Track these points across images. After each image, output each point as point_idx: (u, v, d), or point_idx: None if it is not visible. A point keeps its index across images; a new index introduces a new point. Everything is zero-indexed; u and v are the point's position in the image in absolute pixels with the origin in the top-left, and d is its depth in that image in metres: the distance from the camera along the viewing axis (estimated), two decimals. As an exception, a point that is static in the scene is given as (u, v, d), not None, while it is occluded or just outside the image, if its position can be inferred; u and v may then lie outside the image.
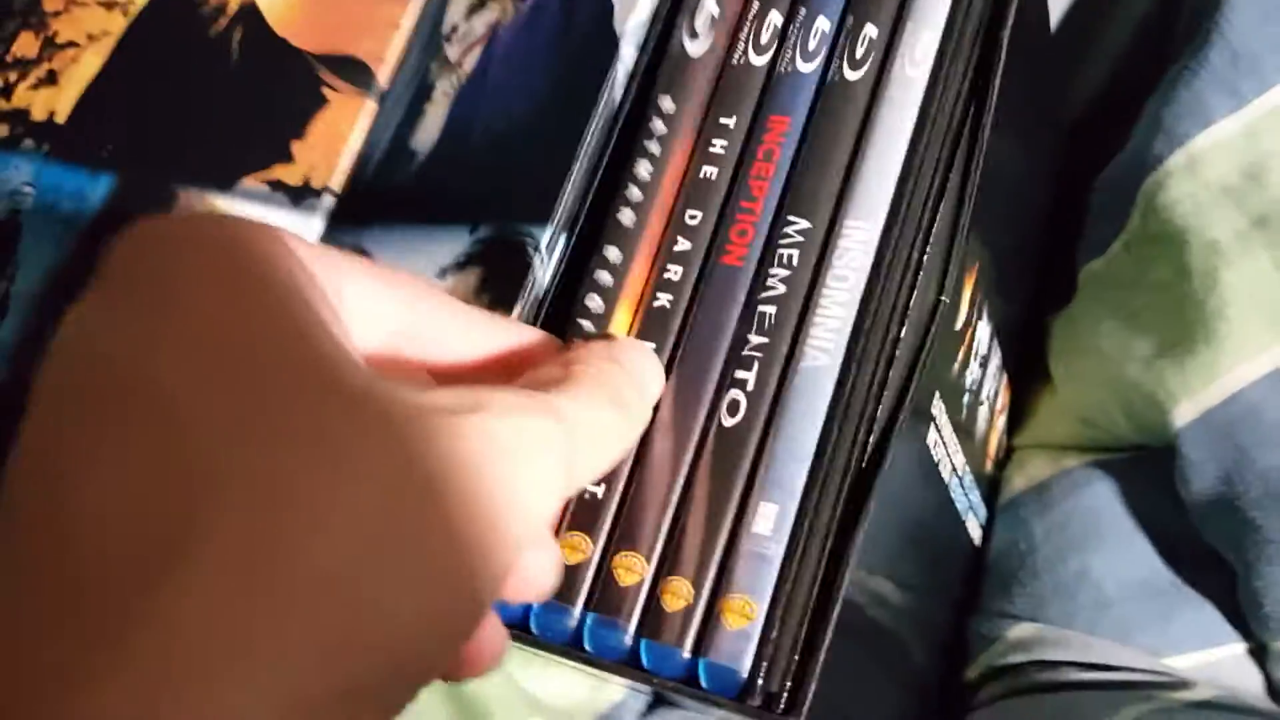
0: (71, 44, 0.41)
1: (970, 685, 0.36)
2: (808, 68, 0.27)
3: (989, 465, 0.36)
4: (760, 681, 0.22)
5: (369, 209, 0.36)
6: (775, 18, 0.28)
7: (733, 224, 0.26)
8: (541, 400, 0.19)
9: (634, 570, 0.24)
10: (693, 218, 0.27)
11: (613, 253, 0.27)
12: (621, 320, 0.26)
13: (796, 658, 0.23)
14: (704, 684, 0.23)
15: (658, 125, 0.27)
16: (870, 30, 0.27)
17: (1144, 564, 0.35)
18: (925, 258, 0.25)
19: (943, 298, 0.25)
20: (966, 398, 0.30)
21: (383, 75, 0.38)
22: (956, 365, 0.28)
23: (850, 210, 0.25)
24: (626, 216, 0.27)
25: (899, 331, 0.24)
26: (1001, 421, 0.37)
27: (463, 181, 0.34)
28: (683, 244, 0.27)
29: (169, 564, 0.14)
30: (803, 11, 0.28)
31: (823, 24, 0.27)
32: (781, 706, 0.22)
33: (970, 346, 0.29)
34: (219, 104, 0.39)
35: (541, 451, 0.18)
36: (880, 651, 0.29)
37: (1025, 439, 0.39)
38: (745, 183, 0.27)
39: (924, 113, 0.26)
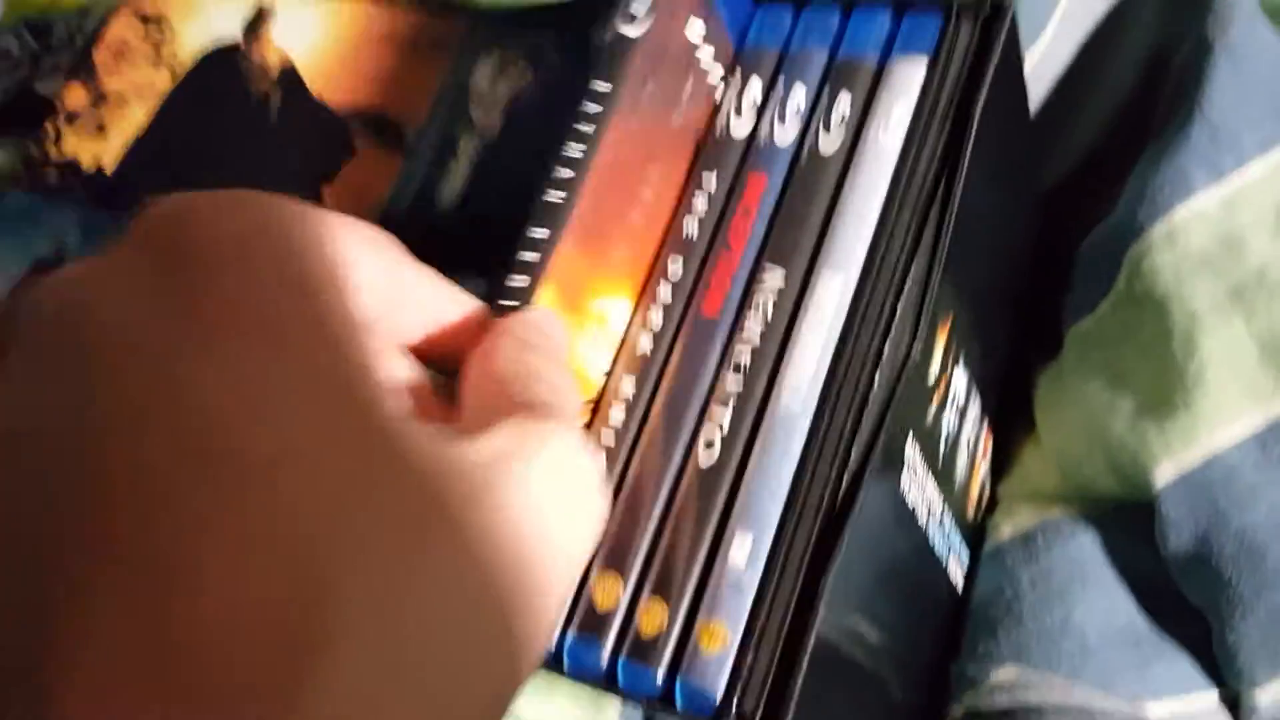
0: (120, 98, 0.44)
1: (951, 728, 0.37)
2: (785, 133, 0.29)
3: (971, 511, 0.37)
4: (734, 704, 0.24)
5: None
6: (755, 88, 0.30)
7: (712, 273, 0.28)
8: (568, 424, 0.20)
9: (612, 593, 0.25)
10: (674, 268, 0.29)
11: (539, 231, 0.26)
12: (543, 299, 0.26)
13: (770, 682, 0.24)
14: (679, 704, 0.24)
15: (591, 107, 0.27)
16: (845, 101, 0.29)
17: (1124, 614, 0.36)
18: (898, 310, 0.26)
19: (914, 348, 0.27)
20: (943, 444, 0.32)
21: (412, 133, 0.40)
22: (931, 412, 0.30)
23: (825, 261, 0.27)
24: (554, 195, 0.26)
25: (871, 379, 0.26)
26: (984, 468, 0.38)
27: (482, 234, 0.36)
28: (665, 291, 0.28)
29: (303, 660, 0.14)
30: (781, 83, 0.30)
31: (800, 95, 0.29)
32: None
33: (946, 395, 0.31)
34: (258, 156, 0.41)
35: (591, 491, 0.20)
36: (858, 688, 0.31)
37: (1011, 488, 0.40)
38: (725, 236, 0.28)
39: (897, 177, 0.27)
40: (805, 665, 0.23)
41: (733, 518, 0.25)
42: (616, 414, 0.28)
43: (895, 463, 0.28)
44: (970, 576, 0.39)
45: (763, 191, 0.29)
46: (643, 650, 0.25)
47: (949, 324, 0.29)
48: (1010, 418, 0.41)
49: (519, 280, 0.26)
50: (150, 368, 0.16)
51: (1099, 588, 0.36)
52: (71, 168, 0.43)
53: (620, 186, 0.28)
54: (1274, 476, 0.33)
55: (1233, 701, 0.35)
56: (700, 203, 0.29)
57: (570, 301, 0.27)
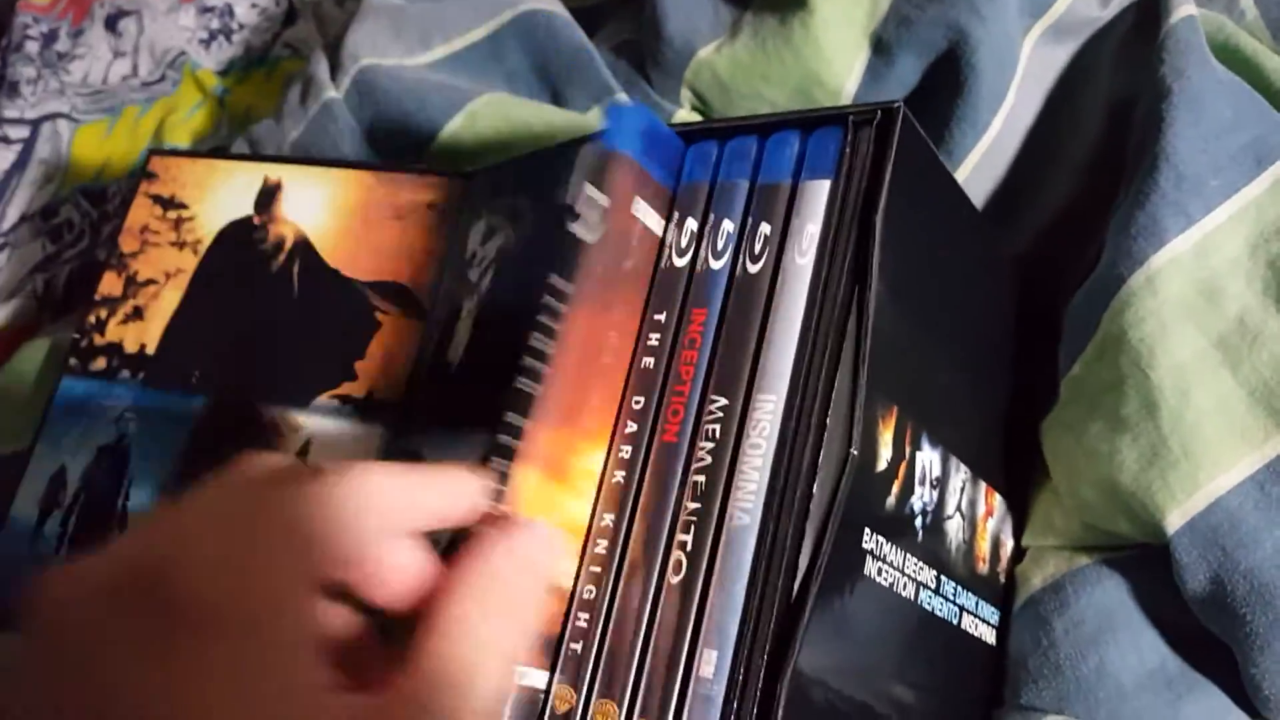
0: (151, 281, 0.47)
1: (999, 779, 0.37)
2: (718, 265, 0.31)
3: (982, 566, 0.37)
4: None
5: (420, 416, 0.41)
6: (691, 224, 0.32)
7: (668, 405, 0.30)
8: None
9: (610, 716, 0.27)
10: (637, 403, 0.30)
11: (513, 417, 0.28)
12: (522, 480, 0.27)
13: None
14: None
15: (552, 302, 0.29)
16: (765, 228, 0.30)
17: (1155, 655, 0.36)
18: (827, 421, 0.27)
19: (852, 450, 0.28)
20: (920, 521, 0.32)
21: (425, 299, 0.43)
22: (891, 500, 0.30)
23: (760, 385, 0.28)
24: (525, 384, 0.28)
25: (810, 488, 0.27)
26: (991, 525, 0.38)
27: (484, 389, 0.38)
28: (631, 426, 0.30)
29: None
30: (712, 216, 0.31)
31: (728, 226, 0.31)
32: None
33: (909, 477, 0.31)
34: (288, 329, 0.44)
35: None
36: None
37: (1036, 539, 0.40)
38: (676, 369, 0.30)
39: (813, 295, 0.29)
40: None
41: (701, 633, 0.27)
42: (600, 548, 0.29)
43: (854, 558, 0.28)
44: (1003, 629, 0.39)
45: (704, 323, 0.30)
46: (636, 767, 0.26)
47: (893, 416, 0.30)
48: (1025, 470, 0.41)
49: (499, 464, 0.27)
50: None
51: (1129, 632, 0.36)
52: (117, 351, 0.47)
53: (587, 354, 0.30)
54: (1275, 517, 0.33)
55: (1267, 729, 0.34)
56: (654, 340, 0.31)
57: (557, 473, 0.29)
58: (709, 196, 0.32)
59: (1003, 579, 0.39)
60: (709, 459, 0.28)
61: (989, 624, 0.38)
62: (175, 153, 0.50)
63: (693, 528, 0.28)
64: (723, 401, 0.29)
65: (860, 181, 0.29)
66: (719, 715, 0.26)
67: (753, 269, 0.30)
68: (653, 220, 0.32)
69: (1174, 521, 0.34)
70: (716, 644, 0.26)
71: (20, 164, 0.78)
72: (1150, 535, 0.36)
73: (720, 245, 0.31)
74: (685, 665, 0.27)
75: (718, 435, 0.28)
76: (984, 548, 0.37)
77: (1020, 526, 0.41)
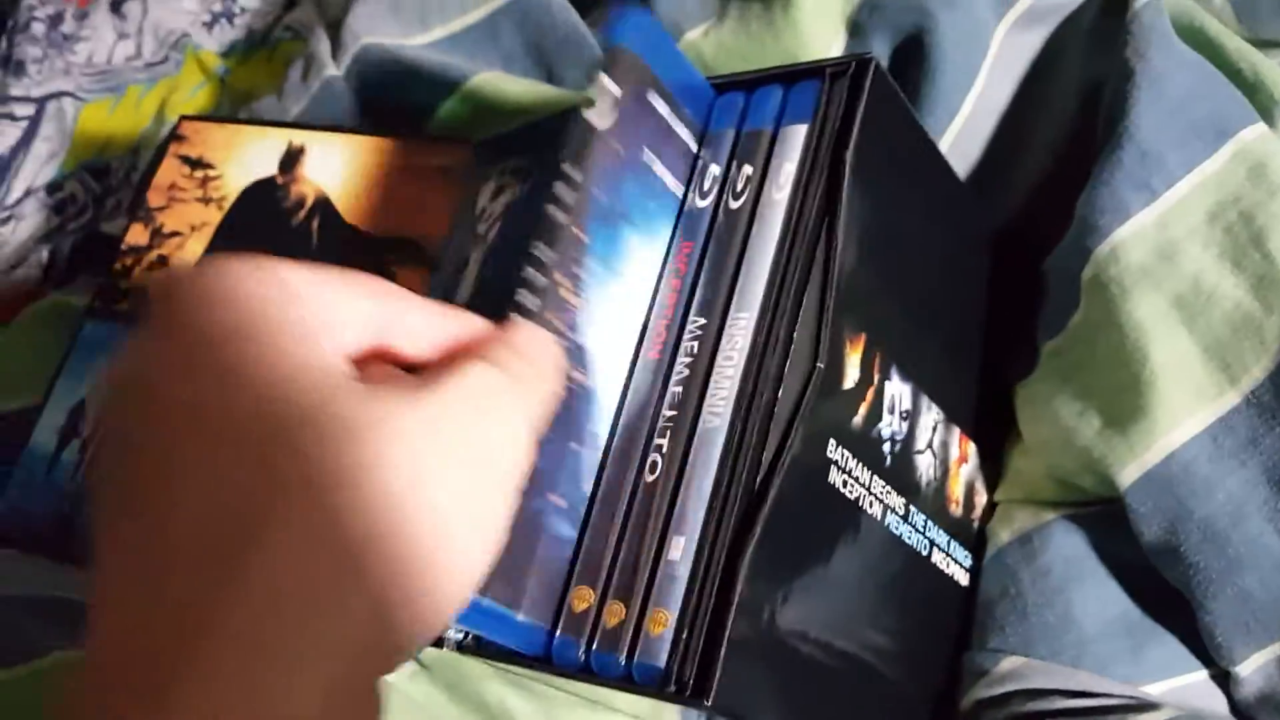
0: (176, 233, 0.55)
1: (964, 714, 0.43)
2: (704, 204, 0.37)
3: (955, 509, 0.43)
4: (674, 673, 0.31)
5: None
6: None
7: (653, 328, 0.36)
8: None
9: (586, 600, 0.33)
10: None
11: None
12: None
13: (699, 651, 0.31)
14: (635, 679, 0.31)
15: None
16: (747, 169, 0.37)
17: (1117, 604, 0.41)
18: (794, 336, 0.33)
19: (818, 363, 0.34)
20: (888, 447, 0.38)
21: (436, 252, 0.50)
22: (859, 419, 0.36)
23: (736, 305, 0.35)
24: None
25: (775, 393, 0.33)
26: (965, 471, 0.44)
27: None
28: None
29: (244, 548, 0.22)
30: (699, 162, 0.38)
31: (714, 169, 0.37)
32: (689, 690, 0.30)
33: (877, 403, 0.37)
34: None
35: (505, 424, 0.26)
36: (829, 670, 0.36)
37: (1007, 494, 0.46)
38: (664, 296, 0.36)
39: (787, 224, 0.35)
40: (728, 634, 0.30)
41: (672, 524, 0.33)
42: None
43: (818, 464, 0.34)
44: (976, 575, 0.45)
45: (689, 254, 0.37)
46: (609, 642, 0.32)
47: (861, 341, 0.36)
48: (1000, 430, 0.47)
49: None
50: None
51: (1093, 582, 0.42)
52: (142, 294, 0.54)
53: None
54: (1227, 468, 0.39)
55: (1222, 677, 0.39)
56: None
57: None
58: (698, 144, 0.39)
59: (976, 526, 0.45)
60: (687, 371, 0.35)
61: (962, 566, 0.44)
62: (204, 118, 0.58)
63: (669, 432, 0.34)
64: (702, 321, 0.35)
65: (834, 124, 0.36)
66: (683, 592, 0.31)
67: (734, 205, 0.36)
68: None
69: (1131, 474, 0.40)
70: (685, 531, 0.32)
71: (26, 140, 0.86)
72: (1113, 489, 0.41)
73: (707, 186, 0.37)
74: (656, 551, 0.33)
75: (695, 351, 0.35)
76: (957, 491, 0.43)
77: (995, 483, 0.47)
